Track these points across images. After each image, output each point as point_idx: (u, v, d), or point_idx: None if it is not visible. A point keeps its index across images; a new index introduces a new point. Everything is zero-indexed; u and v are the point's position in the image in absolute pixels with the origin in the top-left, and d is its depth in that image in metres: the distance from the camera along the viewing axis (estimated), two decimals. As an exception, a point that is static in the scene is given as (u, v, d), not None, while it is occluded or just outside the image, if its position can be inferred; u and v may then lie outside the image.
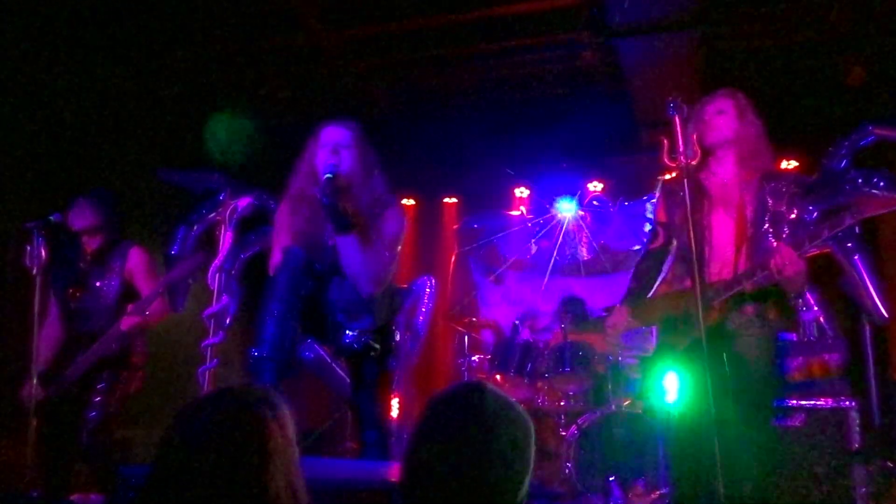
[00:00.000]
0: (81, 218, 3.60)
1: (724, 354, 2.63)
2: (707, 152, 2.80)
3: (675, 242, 2.86)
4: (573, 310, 5.42)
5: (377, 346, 2.91)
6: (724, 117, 2.80)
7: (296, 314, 2.76)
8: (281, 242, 2.96)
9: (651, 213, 3.10)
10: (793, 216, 2.69)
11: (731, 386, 2.54)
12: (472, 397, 1.30)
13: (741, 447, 2.50)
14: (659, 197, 2.99)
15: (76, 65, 4.79)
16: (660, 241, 2.95)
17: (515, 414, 1.33)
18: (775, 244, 2.63)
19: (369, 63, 5.72)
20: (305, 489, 1.30)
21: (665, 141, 2.62)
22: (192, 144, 5.57)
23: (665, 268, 2.88)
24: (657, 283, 2.89)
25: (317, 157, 2.93)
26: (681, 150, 2.50)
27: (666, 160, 2.61)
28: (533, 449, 1.32)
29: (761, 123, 2.82)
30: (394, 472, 1.74)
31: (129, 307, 3.48)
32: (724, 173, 2.82)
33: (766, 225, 2.70)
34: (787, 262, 2.48)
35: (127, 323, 3.46)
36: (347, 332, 2.83)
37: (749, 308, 2.67)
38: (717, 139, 2.80)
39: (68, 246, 3.67)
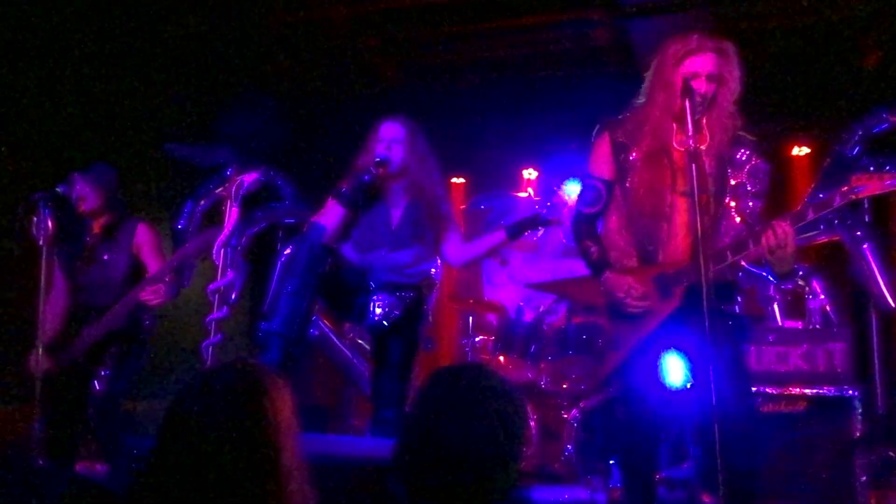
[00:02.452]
0: (85, 201, 3.61)
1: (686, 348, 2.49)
2: (692, 101, 2.38)
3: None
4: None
5: (405, 322, 3.02)
6: (711, 85, 2.49)
7: (311, 291, 2.85)
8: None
9: (590, 166, 2.76)
10: (754, 190, 2.51)
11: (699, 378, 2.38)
12: (467, 377, 1.31)
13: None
14: (602, 148, 2.69)
15: (85, 35, 4.77)
16: (602, 203, 2.67)
17: (510, 395, 1.34)
18: (738, 220, 2.45)
19: (380, 38, 5.67)
20: (305, 465, 1.31)
21: (674, 124, 2.57)
22: (200, 119, 5.56)
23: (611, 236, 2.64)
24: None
25: (374, 150, 3.16)
26: (690, 133, 2.42)
27: (674, 143, 2.56)
28: (525, 431, 1.34)
29: (741, 83, 2.54)
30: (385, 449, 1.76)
31: (146, 288, 3.47)
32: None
33: (727, 198, 2.51)
34: (788, 237, 2.28)
35: (148, 293, 3.44)
36: (377, 309, 2.91)
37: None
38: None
39: (74, 220, 3.68)
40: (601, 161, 2.71)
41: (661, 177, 2.55)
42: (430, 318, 3.28)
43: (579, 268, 6.58)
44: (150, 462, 1.29)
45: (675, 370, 2.66)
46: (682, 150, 2.47)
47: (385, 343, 3.10)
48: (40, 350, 3.37)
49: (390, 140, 3.16)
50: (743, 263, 2.58)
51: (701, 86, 2.46)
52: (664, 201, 2.53)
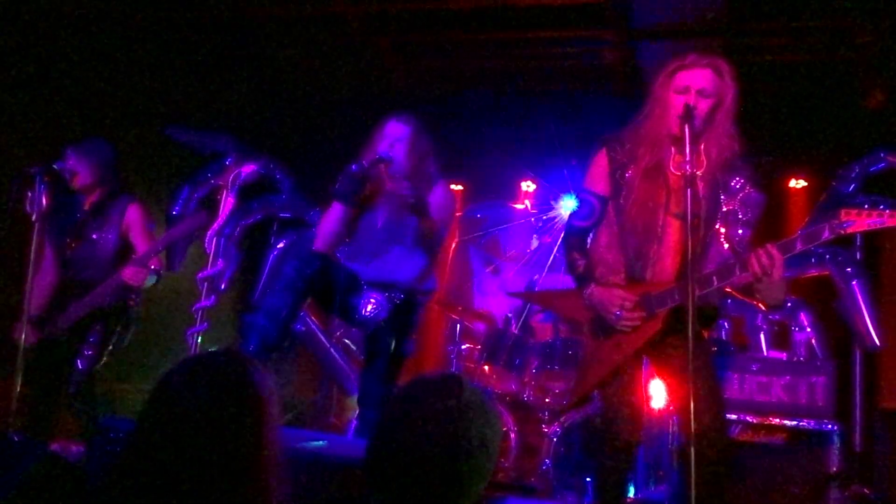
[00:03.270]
0: (79, 176, 3.60)
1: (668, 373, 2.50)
2: (691, 126, 2.36)
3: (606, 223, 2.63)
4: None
5: (394, 324, 3.04)
6: (704, 102, 2.50)
7: (297, 292, 2.87)
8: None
9: (586, 181, 2.76)
10: (745, 218, 2.51)
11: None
12: (449, 389, 1.30)
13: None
14: (599, 164, 2.69)
15: (89, 15, 4.76)
16: (595, 218, 2.67)
17: (489, 411, 1.32)
18: (727, 246, 2.46)
19: (392, 39, 5.69)
20: (282, 459, 1.31)
21: (672, 149, 2.58)
22: (204, 105, 5.56)
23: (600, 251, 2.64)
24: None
25: (378, 146, 3.19)
26: (687, 159, 2.42)
27: (672, 168, 2.57)
28: (498, 446, 1.32)
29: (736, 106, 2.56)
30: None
31: (127, 266, 3.48)
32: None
33: (717, 223, 2.51)
34: (774, 265, 2.27)
35: (133, 276, 3.46)
36: (368, 306, 2.92)
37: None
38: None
39: (67, 195, 3.67)
40: (598, 177, 2.72)
41: (655, 196, 2.55)
42: (418, 322, 3.27)
43: (570, 284, 6.62)
44: (129, 445, 1.28)
45: (654, 392, 2.67)
46: (679, 174, 2.48)
47: (373, 344, 3.11)
48: (26, 323, 3.35)
49: (394, 138, 3.17)
50: (730, 290, 2.59)
51: (690, 99, 2.46)
52: (657, 221, 2.54)
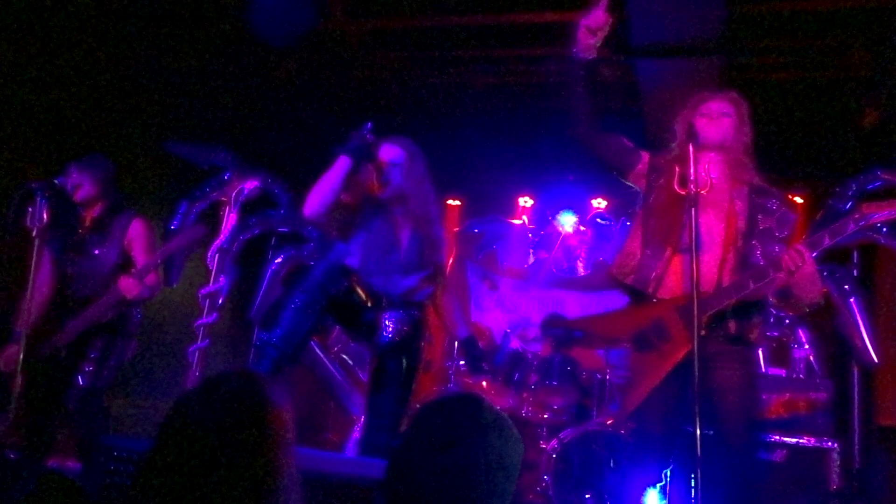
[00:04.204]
0: (80, 190, 3.59)
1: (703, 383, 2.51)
2: (695, 145, 2.59)
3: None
4: (555, 331, 5.41)
5: (410, 341, 3.03)
6: (727, 120, 2.72)
7: (317, 310, 2.83)
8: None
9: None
10: (782, 236, 2.63)
11: (708, 418, 2.44)
12: (468, 409, 1.30)
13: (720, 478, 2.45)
14: (642, 159, 2.83)
15: (89, 30, 4.77)
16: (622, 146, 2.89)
17: (509, 432, 1.32)
18: (761, 259, 2.56)
19: (387, 56, 5.71)
20: (300, 481, 1.30)
21: (676, 168, 2.62)
22: (202, 120, 5.56)
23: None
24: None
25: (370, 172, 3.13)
26: (692, 178, 2.49)
27: (676, 187, 2.60)
28: (518, 468, 1.32)
29: (752, 137, 2.76)
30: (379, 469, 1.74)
31: (123, 277, 3.46)
32: (713, 175, 2.64)
33: (754, 240, 2.62)
34: (804, 260, 2.39)
35: (129, 288, 3.43)
36: (388, 324, 2.90)
37: (731, 324, 2.55)
38: (716, 140, 2.69)
39: (68, 210, 3.66)
40: (636, 162, 2.86)
41: (679, 210, 2.64)
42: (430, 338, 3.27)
43: (567, 297, 6.64)
44: (144, 464, 1.27)
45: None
46: (683, 192, 2.53)
47: (387, 362, 3.05)
48: (22, 340, 3.33)
49: (388, 163, 3.12)
50: (772, 299, 2.68)
51: (714, 121, 2.71)
52: (676, 230, 2.65)
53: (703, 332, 2.45)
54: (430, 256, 3.13)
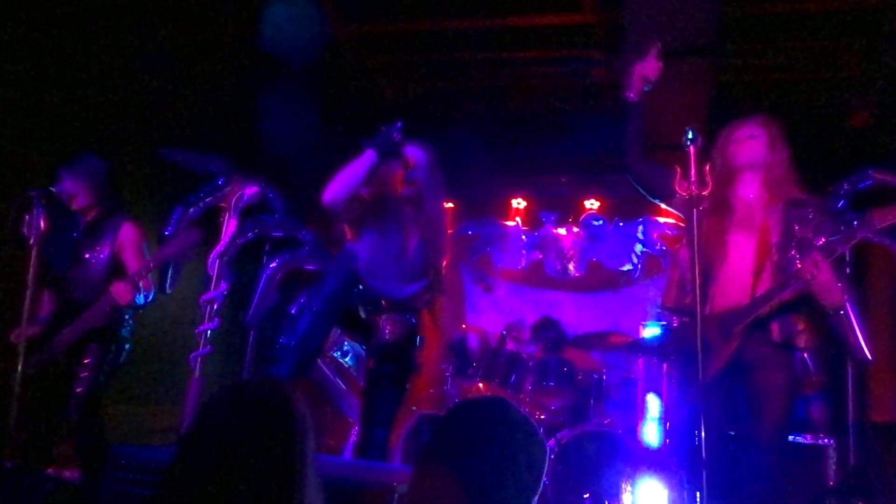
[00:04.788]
0: (78, 198, 3.58)
1: (741, 391, 2.68)
2: (734, 172, 2.86)
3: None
4: (547, 333, 5.44)
5: (406, 344, 3.10)
6: (755, 142, 2.86)
7: (333, 317, 2.89)
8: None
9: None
10: (820, 242, 2.71)
11: (746, 426, 2.60)
12: (497, 412, 1.32)
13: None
14: (679, 209, 2.94)
15: (84, 36, 4.75)
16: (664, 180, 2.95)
17: (535, 435, 1.35)
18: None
19: (383, 59, 5.72)
20: (322, 488, 1.31)
21: (678, 169, 2.66)
22: (196, 125, 5.54)
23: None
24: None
25: (394, 170, 3.25)
26: (692, 179, 2.53)
27: (676, 188, 2.65)
28: (544, 469, 1.35)
29: (789, 153, 2.88)
30: (397, 475, 1.75)
31: (116, 283, 3.45)
32: (750, 195, 2.85)
33: (793, 251, 2.71)
34: (820, 267, 2.53)
35: (121, 294, 3.42)
36: (386, 327, 2.94)
37: (775, 330, 2.68)
38: (747, 161, 2.85)
39: (65, 215, 3.64)
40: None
41: (720, 224, 2.81)
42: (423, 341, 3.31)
43: (563, 298, 6.65)
44: (169, 473, 1.27)
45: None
46: (684, 195, 2.58)
47: (382, 363, 3.12)
48: (23, 349, 3.32)
49: (414, 163, 3.25)
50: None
51: (739, 146, 2.88)
52: (722, 246, 2.78)
53: (736, 343, 2.61)
54: (433, 262, 3.21)
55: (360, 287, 3.08)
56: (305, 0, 4.66)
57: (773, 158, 2.84)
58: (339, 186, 3.05)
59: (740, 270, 2.75)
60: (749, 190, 2.85)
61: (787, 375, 2.70)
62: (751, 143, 2.85)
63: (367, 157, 3.05)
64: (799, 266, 2.59)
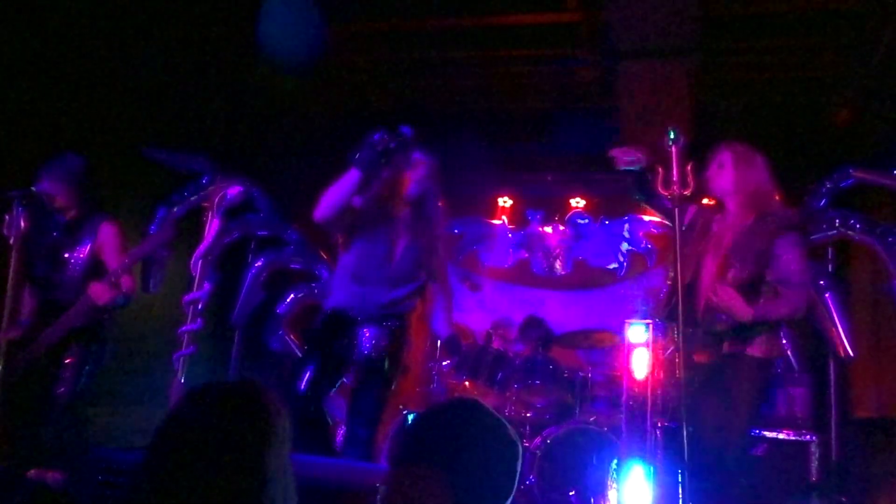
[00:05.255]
0: (58, 199, 3.54)
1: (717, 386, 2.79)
2: (717, 200, 3.07)
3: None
4: (534, 332, 5.46)
5: (391, 350, 3.17)
6: (723, 170, 3.00)
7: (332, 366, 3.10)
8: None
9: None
10: (777, 251, 2.84)
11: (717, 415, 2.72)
12: (468, 413, 1.33)
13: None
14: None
15: (67, 36, 4.70)
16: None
17: (507, 437, 1.36)
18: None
19: (367, 58, 5.71)
20: (295, 488, 1.31)
21: (660, 169, 2.67)
22: (179, 124, 5.51)
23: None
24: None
25: (400, 174, 3.27)
26: (675, 179, 2.55)
27: (660, 188, 2.66)
28: (519, 469, 1.36)
29: (762, 170, 2.98)
30: (380, 475, 1.75)
31: (93, 284, 3.42)
32: (728, 218, 3.01)
33: (753, 267, 2.84)
34: (717, 292, 2.76)
35: (99, 294, 3.40)
36: (364, 342, 3.08)
37: (726, 344, 2.86)
38: (719, 191, 3.02)
39: (45, 216, 3.60)
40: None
41: (701, 248, 2.99)
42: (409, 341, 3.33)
43: (549, 296, 6.67)
44: (141, 474, 1.25)
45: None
46: (667, 194, 2.60)
47: (368, 365, 3.13)
48: (4, 347, 3.29)
49: (419, 165, 3.28)
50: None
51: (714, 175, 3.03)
52: (697, 268, 2.96)
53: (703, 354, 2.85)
54: (427, 263, 3.25)
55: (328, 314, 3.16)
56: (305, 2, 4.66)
57: (743, 181, 2.96)
58: (328, 205, 3.05)
59: (704, 289, 2.92)
60: (729, 213, 3.00)
61: (742, 384, 2.82)
62: (721, 174, 2.99)
63: (351, 176, 3.03)
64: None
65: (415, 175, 3.22)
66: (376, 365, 3.14)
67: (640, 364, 4.18)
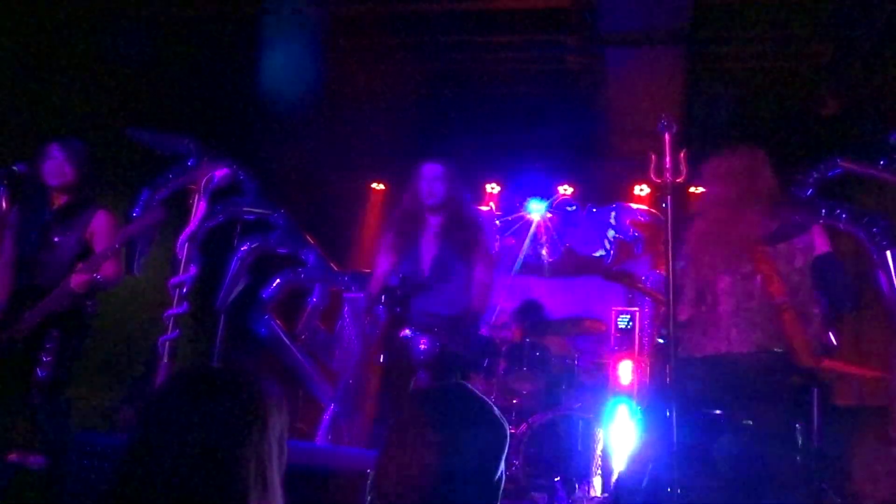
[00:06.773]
0: (58, 175, 3.49)
1: None
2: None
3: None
4: (532, 316, 5.48)
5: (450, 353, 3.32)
6: (718, 180, 3.11)
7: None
8: (382, 267, 3.60)
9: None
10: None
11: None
12: (455, 397, 1.33)
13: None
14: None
15: (51, 18, 4.62)
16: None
17: (494, 420, 1.38)
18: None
19: (354, 42, 5.66)
20: (281, 475, 1.28)
21: (653, 156, 2.65)
22: (165, 106, 5.44)
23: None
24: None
25: (419, 186, 3.60)
26: (667, 167, 2.54)
27: (652, 176, 2.65)
28: (506, 452, 1.38)
29: (744, 184, 3.04)
30: (370, 461, 1.75)
31: (80, 265, 3.39)
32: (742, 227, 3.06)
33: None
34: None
35: (77, 281, 3.36)
36: (420, 346, 3.24)
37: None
38: (711, 199, 3.14)
39: (36, 196, 3.55)
40: None
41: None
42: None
43: (535, 284, 6.67)
44: (124, 459, 1.23)
45: None
46: (660, 182, 2.59)
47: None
48: None
49: (432, 178, 3.54)
50: None
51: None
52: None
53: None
54: (467, 258, 3.46)
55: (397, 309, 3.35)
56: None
57: (729, 192, 3.04)
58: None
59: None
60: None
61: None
62: (717, 183, 3.09)
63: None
64: None
65: (433, 183, 3.48)
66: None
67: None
